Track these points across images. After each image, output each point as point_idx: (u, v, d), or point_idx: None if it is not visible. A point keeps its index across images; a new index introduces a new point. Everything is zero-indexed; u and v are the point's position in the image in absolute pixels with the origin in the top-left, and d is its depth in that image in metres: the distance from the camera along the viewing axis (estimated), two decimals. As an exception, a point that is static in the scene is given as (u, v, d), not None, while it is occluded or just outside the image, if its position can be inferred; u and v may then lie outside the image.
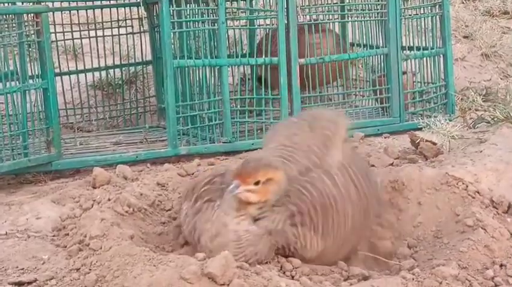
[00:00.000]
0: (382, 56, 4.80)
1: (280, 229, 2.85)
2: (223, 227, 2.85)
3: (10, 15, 3.84)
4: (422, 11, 4.87)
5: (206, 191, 2.96)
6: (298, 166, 2.96)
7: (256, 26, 4.45)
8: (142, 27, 5.17)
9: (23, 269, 2.97)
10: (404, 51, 4.80)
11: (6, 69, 3.84)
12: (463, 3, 7.21)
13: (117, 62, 5.17)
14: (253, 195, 2.82)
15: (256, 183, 2.81)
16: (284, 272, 2.86)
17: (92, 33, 5.07)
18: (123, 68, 5.24)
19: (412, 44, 4.85)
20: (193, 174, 3.80)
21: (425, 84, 4.92)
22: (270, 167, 2.85)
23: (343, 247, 2.99)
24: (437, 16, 4.88)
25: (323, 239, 2.89)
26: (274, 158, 2.95)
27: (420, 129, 4.20)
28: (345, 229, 2.93)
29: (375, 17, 4.77)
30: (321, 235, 2.88)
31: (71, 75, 5.07)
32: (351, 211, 2.94)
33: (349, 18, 4.89)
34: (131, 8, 5.11)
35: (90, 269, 2.87)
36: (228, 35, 4.54)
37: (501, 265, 2.98)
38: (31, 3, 3.99)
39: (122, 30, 5.12)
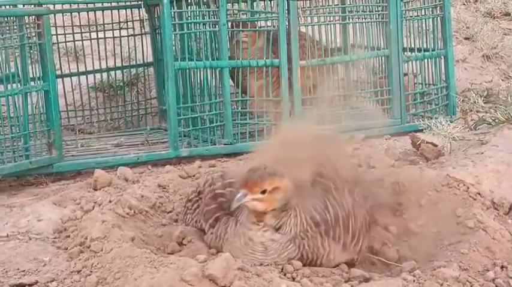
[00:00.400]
0: (383, 58, 4.80)
1: (303, 231, 2.91)
2: (250, 241, 2.90)
3: (11, 18, 3.85)
4: (423, 13, 4.87)
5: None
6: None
7: (257, 28, 4.45)
8: (144, 29, 5.17)
9: (24, 271, 2.98)
10: (406, 53, 4.80)
11: (7, 71, 3.85)
12: (464, 4, 7.21)
13: (119, 64, 5.17)
14: (260, 204, 2.85)
15: (263, 192, 2.84)
16: (285, 274, 2.86)
17: (93, 35, 5.07)
18: (125, 70, 5.25)
19: (413, 46, 4.85)
20: (194, 176, 3.79)
21: (426, 85, 4.92)
22: (275, 175, 2.87)
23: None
24: (438, 18, 4.88)
25: (344, 251, 2.96)
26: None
27: (421, 130, 4.20)
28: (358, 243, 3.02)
29: (376, 19, 4.77)
30: (341, 246, 2.96)
31: (72, 77, 5.07)
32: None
33: (350, 20, 4.88)
34: (132, 9, 5.11)
35: (91, 271, 2.87)
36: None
37: (502, 267, 2.98)
38: (32, 6, 3.99)
39: (123, 32, 5.12)
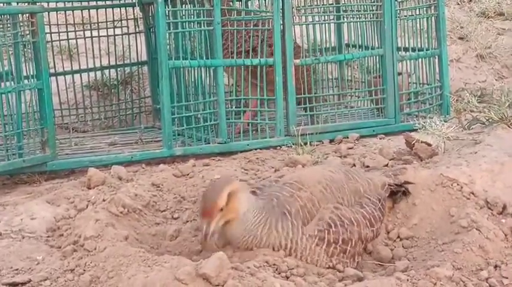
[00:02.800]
0: (377, 57, 4.80)
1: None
2: None
3: (5, 16, 3.84)
4: (417, 12, 4.88)
5: None
6: None
7: (251, 27, 4.44)
8: (138, 27, 5.16)
9: (17, 269, 2.97)
10: (400, 52, 4.80)
11: (1, 69, 3.84)
12: (458, 4, 7.22)
13: (113, 63, 5.17)
14: (226, 218, 2.92)
15: (221, 210, 2.90)
16: (279, 273, 2.86)
17: (88, 33, 5.05)
18: (119, 69, 5.24)
19: (407, 45, 4.85)
20: (188, 175, 3.79)
21: (421, 85, 4.92)
22: (222, 187, 2.93)
23: None
24: (433, 17, 4.88)
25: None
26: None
27: (415, 130, 4.20)
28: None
29: (371, 18, 4.77)
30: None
31: (66, 76, 5.06)
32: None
33: (345, 19, 4.89)
34: (127, 8, 5.10)
35: (84, 270, 2.86)
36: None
37: (495, 266, 2.99)
38: (26, 4, 3.98)
39: (118, 31, 5.12)
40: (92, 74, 5.15)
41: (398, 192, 3.35)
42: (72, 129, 4.98)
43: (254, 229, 2.95)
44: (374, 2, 4.69)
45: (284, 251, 2.95)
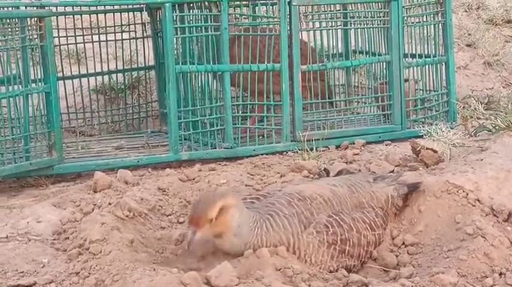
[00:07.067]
0: (384, 64, 4.81)
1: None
2: None
3: (13, 20, 3.86)
4: (424, 19, 4.88)
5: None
6: None
7: (258, 33, 4.45)
8: (146, 32, 5.18)
9: (22, 272, 2.98)
10: (407, 59, 4.80)
11: (9, 73, 3.85)
12: (466, 11, 7.22)
13: (120, 67, 5.18)
14: (215, 231, 2.92)
15: (210, 221, 2.89)
16: (285, 278, 2.86)
17: (95, 37, 5.07)
18: (126, 73, 5.25)
19: (414, 52, 4.86)
20: (194, 179, 3.80)
21: (427, 92, 4.92)
22: (215, 200, 2.92)
23: None
24: (440, 24, 4.88)
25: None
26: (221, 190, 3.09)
27: (421, 137, 4.20)
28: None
29: (378, 25, 4.77)
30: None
31: (73, 80, 5.08)
32: None
33: (352, 25, 4.89)
34: (134, 13, 5.12)
35: (89, 273, 2.87)
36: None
37: (500, 274, 2.98)
38: (35, 8, 3.99)
39: (125, 35, 5.13)
40: (99, 78, 5.16)
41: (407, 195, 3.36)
42: (79, 133, 5.00)
43: (252, 238, 2.95)
44: (381, 8, 4.69)
45: (288, 249, 2.94)
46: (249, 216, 2.98)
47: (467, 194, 3.33)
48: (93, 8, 4.98)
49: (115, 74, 5.19)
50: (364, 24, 4.85)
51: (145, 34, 5.17)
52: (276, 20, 4.43)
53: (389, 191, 3.32)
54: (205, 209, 2.90)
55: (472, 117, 4.75)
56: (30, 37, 3.92)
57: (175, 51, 4.32)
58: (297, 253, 2.96)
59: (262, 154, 4.33)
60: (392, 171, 3.85)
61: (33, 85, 3.98)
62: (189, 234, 2.91)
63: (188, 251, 2.99)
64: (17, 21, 3.86)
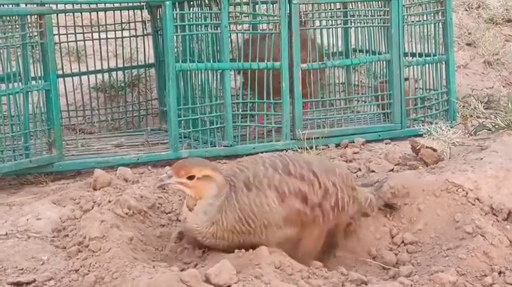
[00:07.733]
0: (384, 62, 4.81)
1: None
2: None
3: (14, 17, 3.86)
4: (425, 18, 4.88)
5: None
6: None
7: (259, 31, 4.45)
8: (146, 30, 5.18)
9: (22, 269, 2.98)
10: (407, 58, 4.81)
11: (9, 70, 3.85)
12: (466, 10, 7.21)
13: (120, 65, 5.18)
14: (188, 189, 2.90)
15: (190, 177, 2.87)
16: (284, 275, 2.86)
17: (96, 35, 5.08)
18: (126, 71, 5.25)
19: (414, 51, 4.86)
20: (193, 177, 3.79)
21: (427, 90, 4.92)
22: (207, 165, 2.92)
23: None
24: (440, 23, 4.89)
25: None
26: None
27: (421, 135, 4.20)
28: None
29: (378, 23, 4.77)
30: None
31: (73, 77, 5.08)
32: None
33: (352, 24, 4.89)
34: (135, 11, 5.12)
35: (89, 271, 2.87)
36: (230, 39, 4.54)
37: (500, 272, 2.98)
38: (35, 5, 4.00)
39: (126, 33, 5.13)
40: (99, 75, 5.17)
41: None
42: (79, 131, 5.00)
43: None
44: (381, 7, 4.69)
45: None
46: (222, 203, 2.91)
47: (466, 193, 3.34)
48: (93, 6, 4.99)
49: (115, 72, 5.19)
50: (364, 23, 4.85)
51: (145, 32, 5.18)
52: (276, 18, 4.43)
53: (370, 195, 3.30)
54: (192, 165, 2.90)
55: (471, 116, 4.75)
56: (31, 34, 3.92)
57: (176, 49, 4.32)
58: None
59: (262, 152, 4.33)
60: (392, 170, 3.85)
61: (33, 83, 3.99)
62: (164, 175, 2.92)
63: (154, 188, 3.00)
64: (17, 18, 3.86)
